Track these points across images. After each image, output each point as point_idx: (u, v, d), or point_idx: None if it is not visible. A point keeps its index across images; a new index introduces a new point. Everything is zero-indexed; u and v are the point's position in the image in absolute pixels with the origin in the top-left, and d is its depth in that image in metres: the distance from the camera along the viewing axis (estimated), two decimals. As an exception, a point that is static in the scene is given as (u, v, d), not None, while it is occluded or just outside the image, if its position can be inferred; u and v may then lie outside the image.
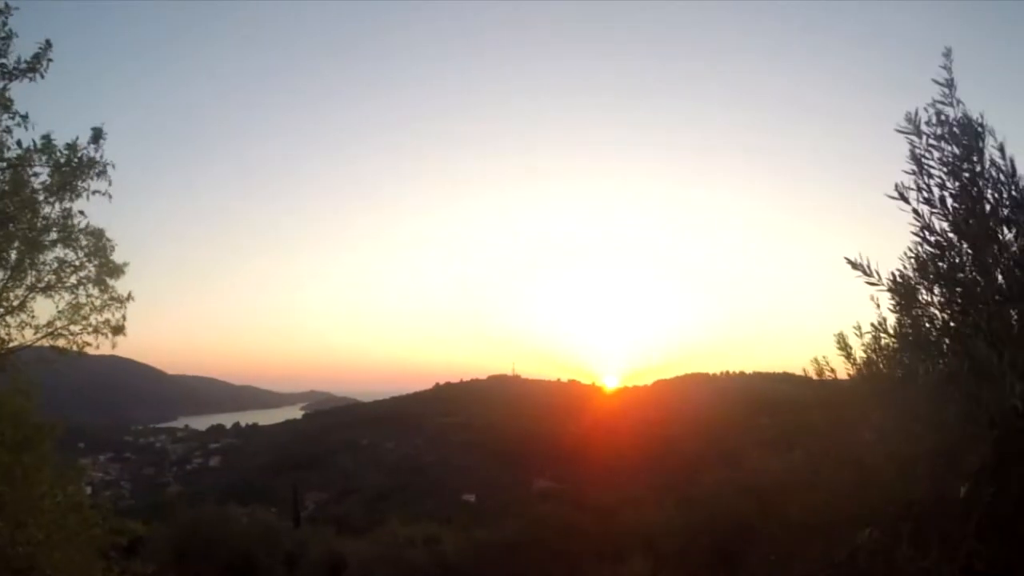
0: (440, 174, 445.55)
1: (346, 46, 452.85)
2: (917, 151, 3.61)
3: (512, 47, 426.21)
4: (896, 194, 3.62)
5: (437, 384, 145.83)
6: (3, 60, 7.48)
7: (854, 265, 3.67)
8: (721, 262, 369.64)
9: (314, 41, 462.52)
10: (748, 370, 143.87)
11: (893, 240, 3.80)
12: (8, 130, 7.94)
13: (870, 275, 3.67)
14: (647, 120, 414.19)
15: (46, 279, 10.15)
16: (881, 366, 4.08)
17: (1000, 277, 3.40)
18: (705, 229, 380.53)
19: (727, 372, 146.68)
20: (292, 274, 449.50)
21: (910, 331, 3.74)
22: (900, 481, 3.57)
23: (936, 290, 3.63)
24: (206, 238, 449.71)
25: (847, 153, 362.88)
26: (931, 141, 3.60)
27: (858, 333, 4.12)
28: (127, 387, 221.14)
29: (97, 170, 9.30)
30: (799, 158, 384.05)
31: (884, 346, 4.06)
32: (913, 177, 3.60)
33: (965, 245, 3.53)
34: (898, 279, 3.65)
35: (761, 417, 76.21)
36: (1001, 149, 3.50)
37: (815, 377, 4.85)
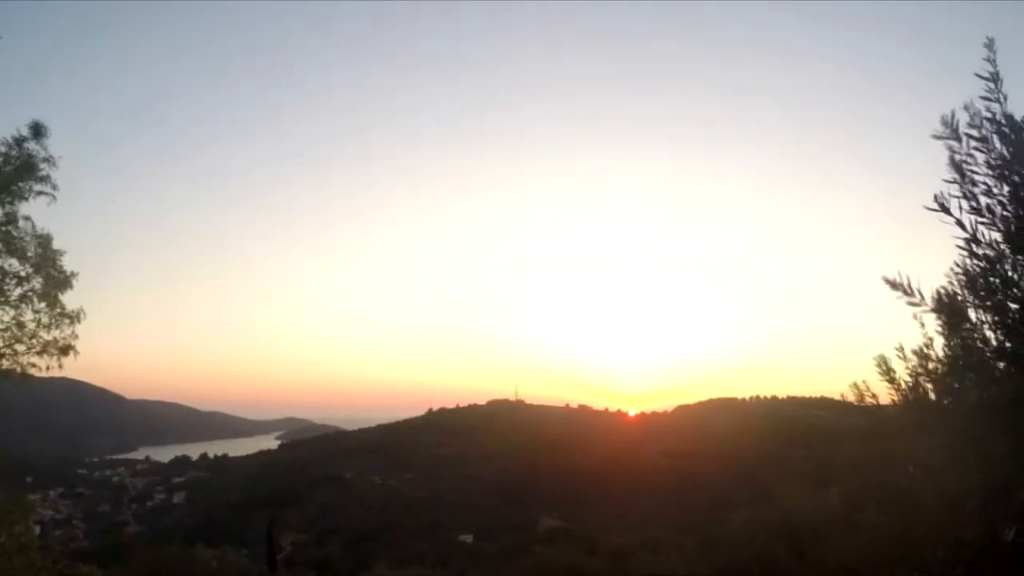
0: (433, 177, 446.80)
1: (329, 43, 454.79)
2: (957, 157, 3.54)
3: (511, 43, 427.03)
4: (936, 205, 3.56)
5: (430, 410, 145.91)
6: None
7: (893, 285, 3.62)
8: (749, 277, 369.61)
9: (289, 36, 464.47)
10: (780, 395, 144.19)
11: (939, 253, 3.76)
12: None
13: (911, 295, 3.61)
14: (660, 121, 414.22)
15: (-14, 293, 10.10)
16: (928, 392, 4.04)
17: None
18: (731, 242, 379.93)
19: (757, 397, 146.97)
20: (267, 288, 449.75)
21: (959, 353, 3.69)
22: (949, 521, 3.56)
23: (986, 308, 3.56)
24: (169, 247, 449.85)
25: (889, 162, 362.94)
26: (974, 145, 3.52)
27: (901, 356, 4.07)
28: (80, 414, 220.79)
29: (41, 170, 9.34)
30: (837, 167, 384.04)
31: (931, 370, 4.01)
32: (955, 185, 3.53)
33: (1019, 257, 3.48)
34: (944, 298, 3.59)
35: (794, 448, 76.52)
36: (1057, 149, 3.45)
37: (855, 403, 4.82)
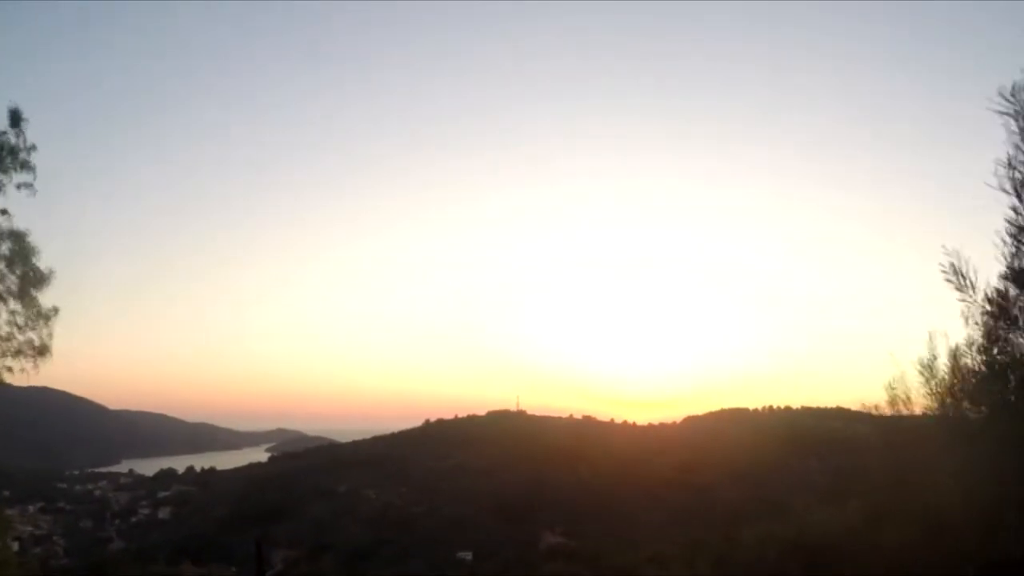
0: (430, 174, 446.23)
1: (325, 39, 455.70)
2: (1016, 133, 3.39)
3: (518, 40, 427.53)
4: (1005, 181, 3.38)
5: (427, 421, 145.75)
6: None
7: (953, 269, 3.47)
8: (761, 282, 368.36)
9: (283, 31, 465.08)
10: (795, 404, 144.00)
11: (973, 251, 3.62)
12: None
13: (964, 284, 3.46)
14: (669, 121, 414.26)
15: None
16: (962, 399, 3.93)
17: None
18: (742, 245, 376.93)
19: (770, 407, 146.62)
20: (257, 293, 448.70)
21: (1001, 357, 3.57)
22: (981, 538, 3.48)
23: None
24: (154, 248, 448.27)
25: (909, 164, 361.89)
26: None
27: (934, 360, 3.95)
28: (60, 425, 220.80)
29: (20, 160, 9.28)
30: (856, 169, 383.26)
31: (968, 374, 3.88)
32: (1011, 169, 3.37)
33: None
34: (996, 293, 3.42)
35: (810, 460, 76.44)
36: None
37: (887, 412, 4.69)
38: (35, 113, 9.24)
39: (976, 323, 3.57)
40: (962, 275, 3.45)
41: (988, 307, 3.45)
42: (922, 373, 4.09)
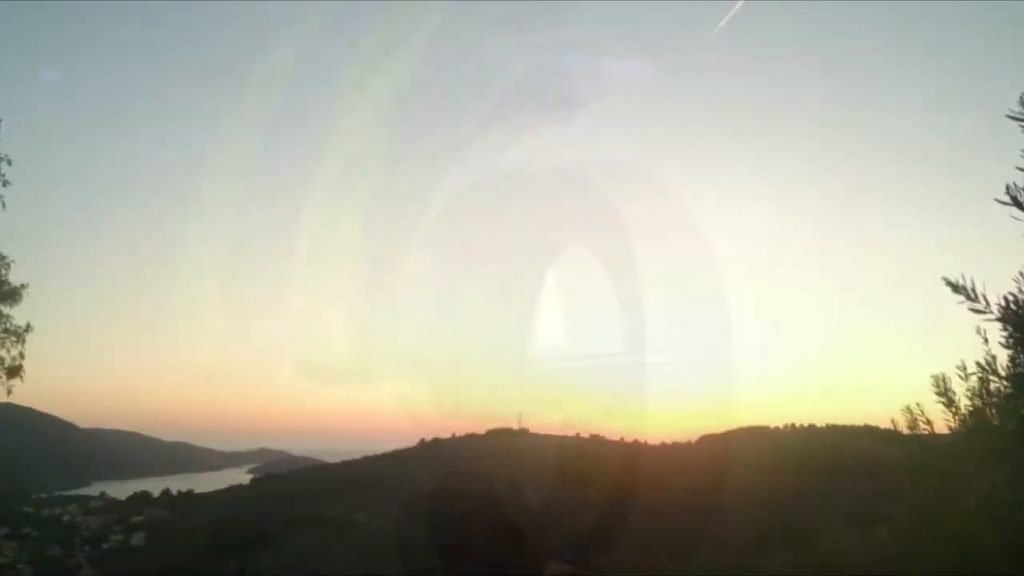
0: (423, 178, 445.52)
1: (319, 42, 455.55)
2: None
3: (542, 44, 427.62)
4: (1006, 198, 3.46)
5: (422, 440, 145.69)
6: None
7: (955, 288, 3.52)
8: (780, 286, 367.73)
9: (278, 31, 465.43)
10: (819, 422, 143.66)
11: (1002, 259, 3.64)
12: None
13: (975, 300, 3.50)
14: (679, 123, 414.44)
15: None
16: (991, 417, 3.94)
17: None
18: (758, 245, 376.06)
19: (793, 425, 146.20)
20: (236, 300, 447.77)
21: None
22: (1017, 565, 3.50)
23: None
24: (128, 254, 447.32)
25: (937, 164, 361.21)
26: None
27: (962, 375, 3.94)
28: (25, 444, 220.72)
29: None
30: (878, 170, 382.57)
31: (994, 391, 3.88)
32: None
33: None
34: (1012, 305, 3.47)
35: (837, 482, 76.40)
36: None
37: (906, 431, 4.69)
38: (8, 117, 9.30)
39: (1002, 341, 3.58)
40: (969, 290, 3.46)
41: (1004, 316, 3.46)
42: (938, 393, 4.09)
